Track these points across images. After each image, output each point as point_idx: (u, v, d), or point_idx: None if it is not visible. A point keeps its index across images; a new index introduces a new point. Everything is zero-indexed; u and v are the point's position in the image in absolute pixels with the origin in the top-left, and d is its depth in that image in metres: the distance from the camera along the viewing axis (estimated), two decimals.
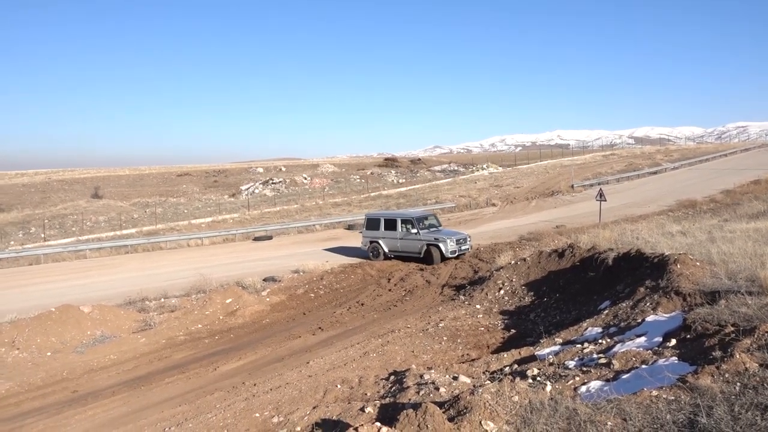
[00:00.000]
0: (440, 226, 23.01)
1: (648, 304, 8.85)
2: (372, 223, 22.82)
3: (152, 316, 14.81)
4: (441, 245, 20.81)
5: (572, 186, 43.12)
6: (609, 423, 4.31)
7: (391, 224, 22.19)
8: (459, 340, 11.00)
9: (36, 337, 12.73)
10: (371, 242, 22.65)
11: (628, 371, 5.88)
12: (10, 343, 12.44)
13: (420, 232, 21.47)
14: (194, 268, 21.25)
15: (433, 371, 8.12)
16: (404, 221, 21.99)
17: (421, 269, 20.00)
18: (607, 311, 9.69)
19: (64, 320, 13.44)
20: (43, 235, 36.16)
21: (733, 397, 4.35)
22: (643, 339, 7.26)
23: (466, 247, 21.50)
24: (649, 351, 6.50)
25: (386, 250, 22.24)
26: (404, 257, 21.85)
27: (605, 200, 24.75)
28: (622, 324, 8.56)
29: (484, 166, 67.75)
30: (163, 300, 16.94)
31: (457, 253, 20.98)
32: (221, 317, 15.17)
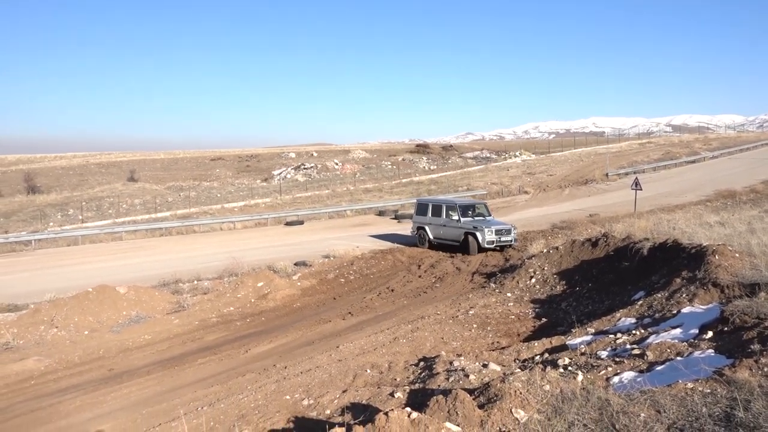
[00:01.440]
0: (489, 215, 21.75)
1: (684, 295, 8.68)
2: (421, 209, 22.41)
3: (186, 298, 15.08)
4: (478, 234, 19.92)
5: (607, 174, 42.41)
6: (642, 414, 4.24)
7: (437, 210, 21.61)
8: (489, 328, 10.95)
9: (74, 316, 13.06)
10: (419, 228, 22.27)
11: (663, 363, 5.77)
12: (50, 322, 12.80)
13: (461, 219, 20.65)
14: (226, 252, 21.55)
15: (462, 358, 8.10)
16: (449, 207, 21.38)
17: (452, 256, 19.91)
18: (641, 302, 9.53)
19: (101, 300, 13.76)
20: (80, 217, 37.04)
21: None
22: (678, 331, 7.12)
23: (509, 238, 20.19)
24: (685, 343, 6.38)
25: (431, 236, 21.78)
26: (447, 245, 21.22)
27: (641, 189, 24.27)
28: (657, 315, 8.41)
29: (517, 153, 67.03)
30: (196, 282, 17.22)
31: (495, 245, 19.90)
32: (253, 300, 15.36)
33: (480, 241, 19.84)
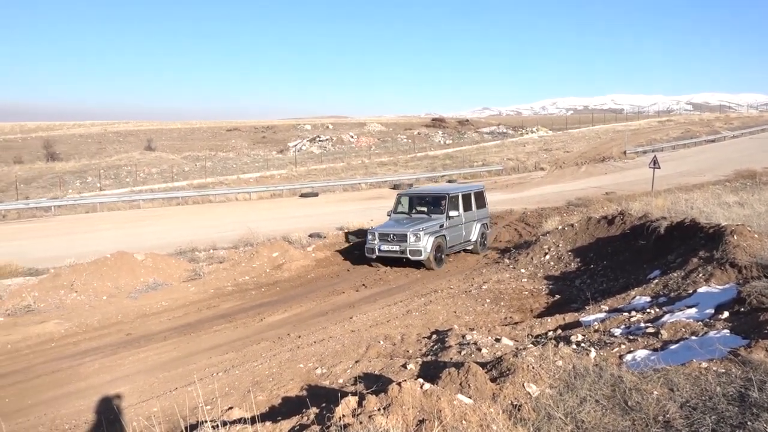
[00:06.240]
0: (438, 213, 15.41)
1: (700, 275, 8.62)
2: None
3: (201, 266, 15.21)
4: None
5: (625, 152, 41.95)
6: (655, 392, 4.25)
7: None
8: (502, 303, 10.98)
9: (93, 282, 13.26)
10: None
11: (677, 342, 5.77)
12: (69, 286, 13.00)
13: (392, 215, 16.47)
14: (242, 222, 21.66)
15: (475, 332, 8.15)
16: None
17: None
18: (656, 281, 9.48)
19: (119, 266, 13.93)
20: (99, 185, 37.37)
21: None
22: (693, 310, 7.10)
23: (401, 248, 14.46)
24: (700, 322, 6.36)
25: None
26: None
27: (659, 168, 23.95)
28: (672, 294, 8.38)
29: (534, 129, 66.33)
30: (212, 251, 17.36)
31: (375, 255, 14.92)
32: (268, 270, 15.48)
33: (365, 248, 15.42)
